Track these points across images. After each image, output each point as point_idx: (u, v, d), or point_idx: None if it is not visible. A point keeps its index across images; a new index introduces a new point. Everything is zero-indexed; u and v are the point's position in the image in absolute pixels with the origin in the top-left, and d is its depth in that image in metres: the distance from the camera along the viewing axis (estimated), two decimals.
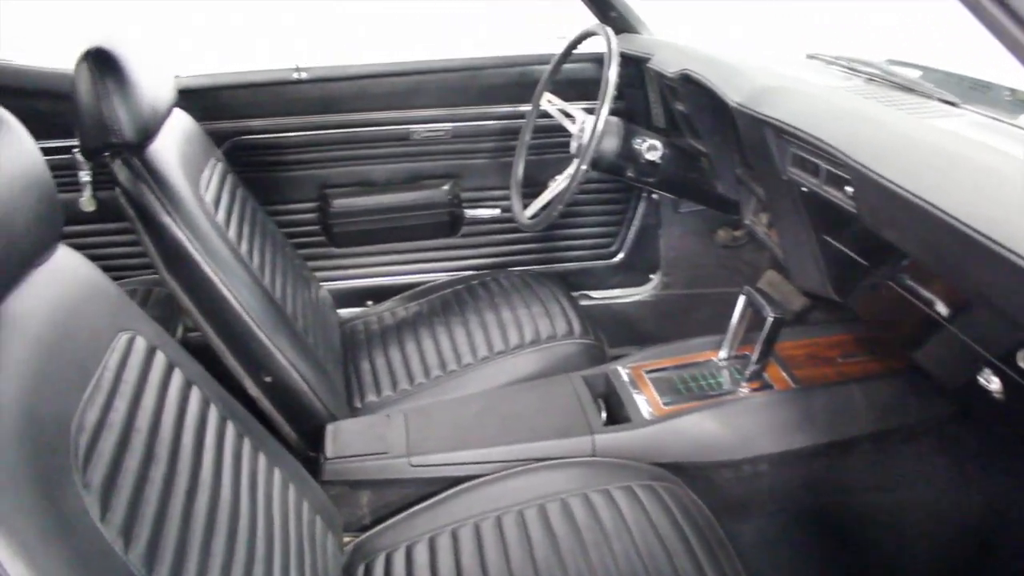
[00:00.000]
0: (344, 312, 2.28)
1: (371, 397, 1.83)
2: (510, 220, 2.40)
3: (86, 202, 2.17)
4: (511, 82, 2.30)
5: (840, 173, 1.28)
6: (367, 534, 1.48)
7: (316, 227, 2.37)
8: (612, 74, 1.77)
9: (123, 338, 1.13)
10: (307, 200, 2.34)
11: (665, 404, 1.67)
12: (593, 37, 1.99)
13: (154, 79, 1.62)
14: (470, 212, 2.40)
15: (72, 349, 1.02)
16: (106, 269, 2.28)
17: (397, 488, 1.60)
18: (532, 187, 2.20)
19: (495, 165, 2.36)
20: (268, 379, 1.64)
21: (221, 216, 1.69)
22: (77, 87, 1.45)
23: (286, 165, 2.28)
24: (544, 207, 1.99)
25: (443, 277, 2.37)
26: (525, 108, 2.25)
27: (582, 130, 1.92)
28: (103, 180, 2.17)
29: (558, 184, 1.96)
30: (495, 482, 1.52)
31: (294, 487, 1.33)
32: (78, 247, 2.21)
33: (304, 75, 2.21)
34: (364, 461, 1.59)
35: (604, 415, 1.70)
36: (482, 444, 1.61)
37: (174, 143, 1.68)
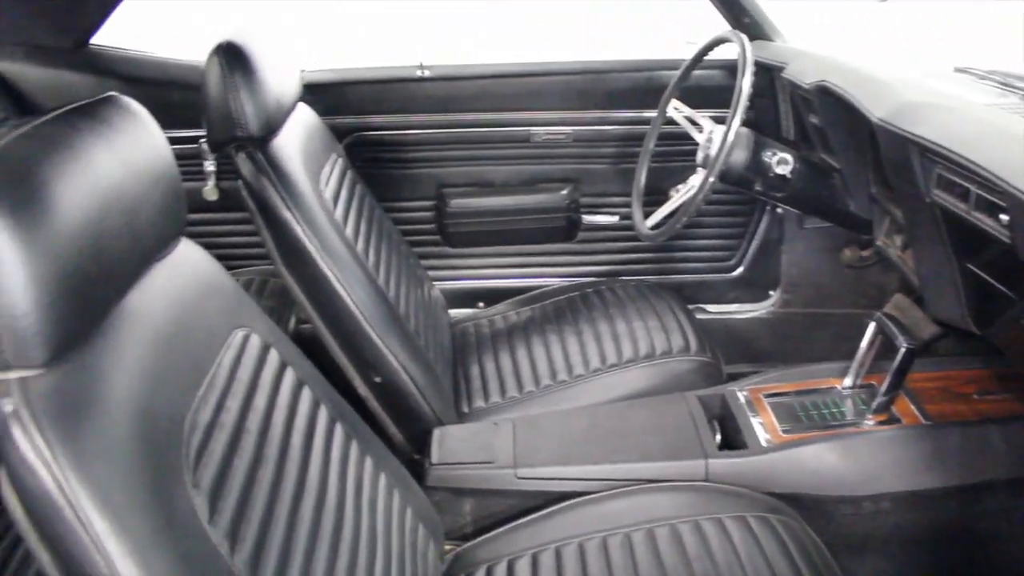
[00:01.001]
0: (455, 313, 2.26)
1: (479, 403, 1.81)
2: (628, 228, 2.35)
3: (209, 191, 2.20)
4: (636, 87, 2.24)
5: (994, 199, 1.18)
6: (468, 544, 1.46)
7: (431, 226, 2.36)
8: (746, 84, 1.70)
9: (239, 335, 1.12)
10: (424, 198, 2.33)
11: (784, 431, 1.59)
12: (725, 44, 1.93)
13: (281, 74, 1.63)
14: (588, 218, 2.36)
15: (188, 346, 1.01)
16: (225, 257, 2.33)
17: (501, 499, 1.57)
18: (652, 195, 2.15)
19: (615, 171, 2.31)
20: (378, 379, 1.63)
21: (339, 212, 1.69)
22: (207, 80, 1.47)
23: (405, 163, 2.28)
24: (667, 217, 1.92)
25: (556, 282, 2.33)
26: (649, 114, 2.19)
27: (710, 140, 1.85)
28: (226, 170, 2.21)
29: (681, 195, 1.89)
30: (602, 501, 1.48)
31: (398, 493, 1.31)
32: (199, 235, 2.27)
33: (428, 73, 2.20)
34: (469, 469, 1.57)
35: (718, 438, 1.63)
36: (590, 460, 1.57)
37: (297, 138, 1.69)
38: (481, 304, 2.38)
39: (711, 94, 2.15)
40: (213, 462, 0.94)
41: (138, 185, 0.95)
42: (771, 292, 2.46)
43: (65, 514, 0.74)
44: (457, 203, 2.30)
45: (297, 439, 1.13)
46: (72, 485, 0.75)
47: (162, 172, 1.02)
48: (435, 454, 1.59)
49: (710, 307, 2.45)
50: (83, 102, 0.95)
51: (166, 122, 2.26)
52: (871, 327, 1.67)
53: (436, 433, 1.64)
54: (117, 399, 0.84)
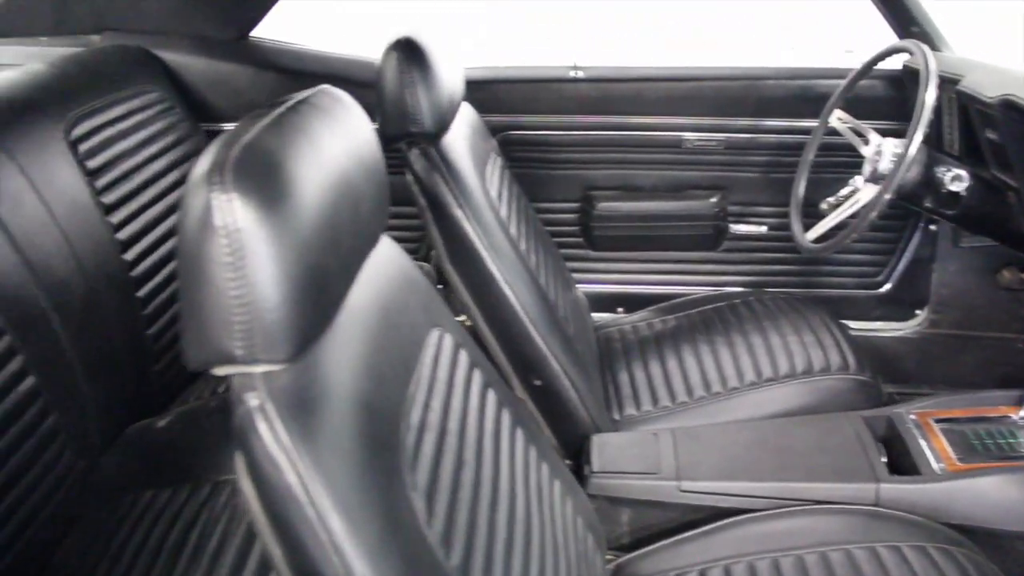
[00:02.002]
0: (595, 317, 2.24)
1: (630, 410, 1.78)
2: (773, 238, 2.30)
3: None
4: (791, 95, 2.19)
5: None
6: (630, 555, 1.43)
7: (575, 228, 2.35)
8: (930, 97, 1.64)
9: (435, 334, 1.11)
10: (569, 200, 2.32)
11: (959, 460, 1.53)
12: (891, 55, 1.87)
13: (451, 71, 1.63)
14: (735, 227, 2.31)
15: (397, 343, 1.01)
16: None
17: (660, 510, 1.55)
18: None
19: (765, 180, 2.26)
20: (538, 382, 1.62)
21: (504, 211, 1.69)
22: (383, 75, 1.47)
23: (552, 163, 2.27)
24: (831, 231, 1.87)
25: (697, 291, 2.30)
26: (803, 123, 2.15)
27: (879, 153, 1.80)
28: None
29: (844, 208, 1.84)
30: (770, 520, 1.44)
31: (570, 501, 1.30)
32: None
33: (581, 74, 2.18)
34: (631, 479, 1.55)
35: (883, 461, 1.58)
36: (756, 477, 1.53)
37: (463, 136, 1.69)
38: (620, 309, 2.36)
39: (872, 105, 2.09)
40: (425, 463, 0.94)
41: (358, 177, 0.94)
42: (917, 311, 2.38)
43: (306, 512, 0.74)
44: (604, 206, 2.27)
45: (488, 443, 1.12)
46: (313, 483, 0.74)
47: (374, 163, 1.01)
48: (595, 462, 1.57)
49: (853, 324, 2.38)
50: (304, 93, 0.94)
51: None
52: None
53: (595, 440, 1.62)
54: (344, 396, 0.84)
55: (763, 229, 2.31)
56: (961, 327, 2.34)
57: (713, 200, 2.28)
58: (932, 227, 2.28)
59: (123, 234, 1.75)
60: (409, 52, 1.46)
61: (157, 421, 1.75)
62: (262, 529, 0.77)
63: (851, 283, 2.38)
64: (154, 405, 1.83)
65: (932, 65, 1.67)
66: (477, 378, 1.18)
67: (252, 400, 0.74)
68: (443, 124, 1.55)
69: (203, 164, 0.72)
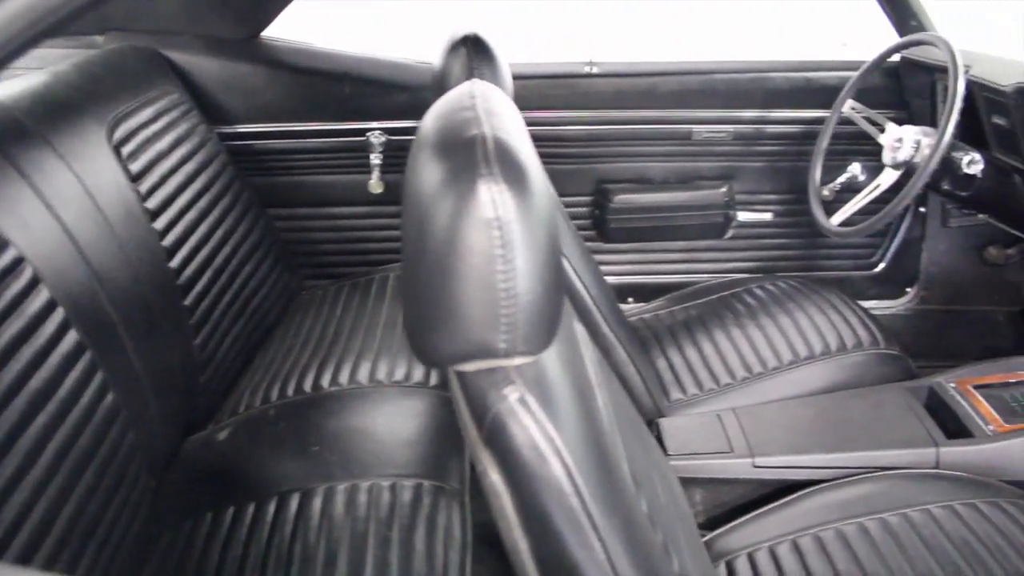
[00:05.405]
0: None
1: (677, 395, 1.82)
2: (778, 225, 2.40)
3: (375, 184, 2.23)
4: (796, 87, 2.28)
5: None
6: (716, 532, 1.49)
7: (587, 221, 2.39)
8: (960, 87, 1.73)
9: (572, 322, 1.15)
10: (583, 194, 2.36)
11: (1005, 421, 1.63)
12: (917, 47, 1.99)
13: (507, 68, 1.65)
14: (743, 215, 2.39)
15: (569, 332, 1.04)
16: (386, 251, 2.37)
17: (732, 487, 1.61)
18: (798, 193, 2.29)
19: (771, 169, 2.35)
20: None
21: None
22: (448, 71, 1.44)
23: (566, 157, 2.30)
24: (855, 216, 1.97)
25: (704, 278, 2.38)
26: (807, 114, 2.25)
27: (900, 141, 1.90)
28: (391, 164, 2.24)
29: (866, 194, 1.95)
30: (844, 487, 1.51)
31: (679, 482, 1.35)
32: (362, 227, 2.29)
33: (595, 69, 2.23)
34: (706, 459, 1.60)
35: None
36: (824, 449, 1.60)
37: None
38: (631, 299, 2.41)
39: (874, 95, 2.18)
40: (620, 447, 0.97)
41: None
42: (908, 289, 2.51)
43: (570, 502, 0.75)
44: (621, 199, 2.32)
45: (626, 428, 1.16)
46: (576, 473, 0.75)
47: None
48: (670, 445, 1.63)
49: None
50: (479, 84, 0.89)
51: (336, 114, 2.28)
52: None
53: (664, 424, 1.67)
54: (564, 383, 0.86)
55: (768, 216, 2.39)
56: (949, 302, 2.48)
57: (722, 190, 2.35)
58: (922, 209, 2.41)
59: (167, 241, 1.71)
60: (477, 48, 1.45)
61: (216, 434, 1.72)
62: (509, 522, 0.77)
63: (848, 264, 2.49)
64: (201, 417, 1.80)
65: (959, 59, 1.77)
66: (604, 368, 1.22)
67: (512, 393, 0.74)
68: None
69: (456, 156, 0.72)
